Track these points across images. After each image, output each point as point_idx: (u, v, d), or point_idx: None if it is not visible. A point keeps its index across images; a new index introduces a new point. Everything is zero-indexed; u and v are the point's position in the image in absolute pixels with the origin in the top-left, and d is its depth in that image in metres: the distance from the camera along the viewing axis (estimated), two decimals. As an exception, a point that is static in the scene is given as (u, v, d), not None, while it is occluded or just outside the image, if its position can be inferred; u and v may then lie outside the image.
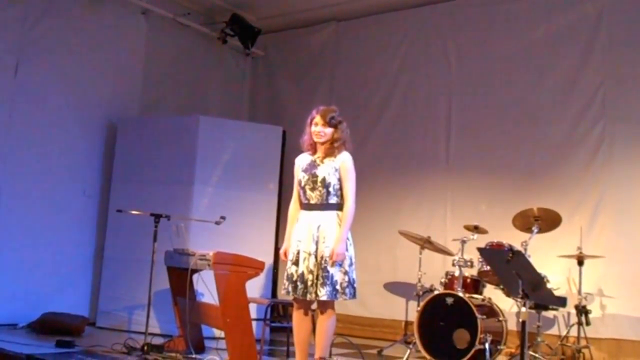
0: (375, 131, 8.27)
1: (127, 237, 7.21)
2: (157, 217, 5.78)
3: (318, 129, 4.82)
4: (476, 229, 6.27)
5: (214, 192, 7.12)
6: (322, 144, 4.85)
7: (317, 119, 4.83)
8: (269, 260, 7.16)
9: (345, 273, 4.69)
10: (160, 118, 7.87)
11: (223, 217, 5.80)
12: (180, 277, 5.72)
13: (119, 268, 7.30)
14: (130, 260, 7.12)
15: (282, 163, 7.57)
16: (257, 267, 5.39)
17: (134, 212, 6.09)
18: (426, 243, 6.69)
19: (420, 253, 6.73)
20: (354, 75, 8.61)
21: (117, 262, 7.34)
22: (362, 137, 7.91)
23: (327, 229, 4.70)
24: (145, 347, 5.49)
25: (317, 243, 4.70)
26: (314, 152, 4.90)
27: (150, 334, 5.78)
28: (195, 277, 5.72)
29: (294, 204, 4.96)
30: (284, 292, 4.80)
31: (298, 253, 4.76)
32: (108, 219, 7.51)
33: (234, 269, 5.22)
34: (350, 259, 4.74)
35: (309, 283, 4.67)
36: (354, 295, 4.70)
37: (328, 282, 4.63)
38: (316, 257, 4.70)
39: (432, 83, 8.01)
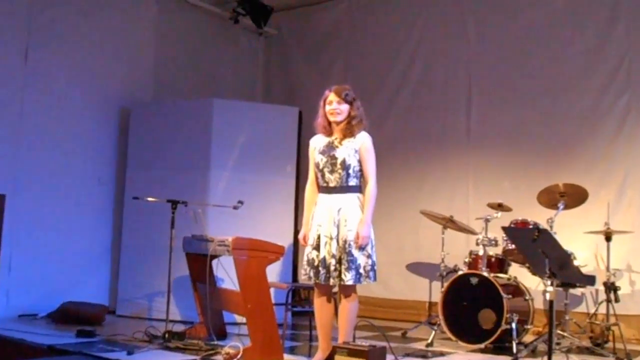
0: (393, 108, 8.24)
1: (144, 225, 7.27)
2: (174, 203, 5.81)
3: (334, 107, 4.79)
4: (500, 206, 6.24)
5: (231, 176, 7.15)
6: (339, 123, 4.82)
7: (332, 96, 4.80)
8: (288, 244, 7.17)
9: (368, 256, 4.70)
10: (174, 102, 7.87)
11: (241, 202, 5.82)
12: (200, 263, 5.75)
13: (137, 256, 7.36)
14: (148, 247, 7.17)
15: (299, 144, 7.57)
16: (277, 251, 5.41)
17: (150, 199, 6.12)
18: (449, 222, 6.68)
19: (443, 233, 6.71)
20: (370, 51, 8.55)
21: (135, 249, 7.41)
22: (379, 114, 7.90)
23: (348, 212, 4.71)
24: (167, 335, 5.54)
25: (338, 227, 4.71)
26: (329, 133, 4.88)
27: (171, 321, 5.83)
28: (214, 262, 5.74)
29: (310, 187, 4.96)
30: (305, 277, 4.81)
31: (319, 237, 4.77)
32: (124, 206, 7.57)
33: (254, 254, 5.24)
34: (371, 242, 4.74)
35: (332, 268, 4.69)
36: (375, 278, 4.72)
37: (353, 267, 4.65)
38: (338, 241, 4.70)
39: (451, 57, 7.95)
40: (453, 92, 7.89)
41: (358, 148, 4.76)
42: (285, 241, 6.82)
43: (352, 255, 4.65)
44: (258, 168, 7.24)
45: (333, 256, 4.69)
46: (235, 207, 5.84)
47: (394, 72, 8.34)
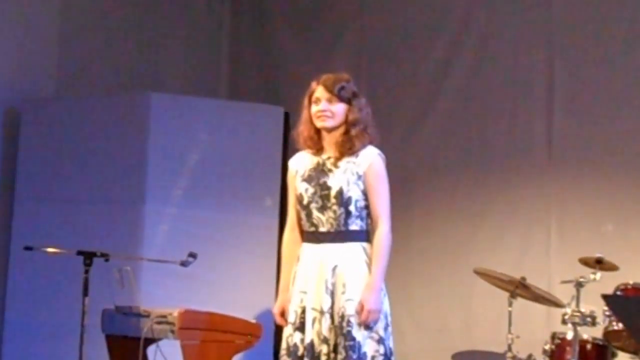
0: (431, 110, 8.24)
1: (40, 289, 7.28)
2: (88, 256, 5.83)
3: (322, 107, 4.79)
4: (599, 263, 6.28)
5: (178, 214, 7.21)
6: (331, 131, 4.83)
7: (319, 91, 4.81)
8: (267, 321, 7.12)
9: (380, 341, 4.68)
10: (90, 99, 7.92)
11: (192, 255, 5.88)
12: (127, 350, 5.80)
13: (28, 338, 7.34)
14: (45, 324, 7.17)
15: (285, 162, 7.58)
16: (250, 332, 5.58)
17: (50, 249, 6.13)
18: (519, 288, 6.67)
19: (510, 304, 6.70)
20: (396, 23, 8.58)
21: (24, 328, 7.39)
22: (411, 120, 7.99)
23: (348, 271, 4.70)
24: None
25: (333, 294, 4.71)
26: (319, 149, 4.90)
27: None
28: (151, 350, 5.80)
29: (289, 234, 4.97)
30: (285, 373, 4.83)
31: (303, 311, 4.76)
32: (9, 260, 7.57)
33: (213, 337, 5.36)
34: (386, 318, 4.75)
35: (323, 358, 4.67)
36: (391, 375, 4.76)
37: (354, 357, 4.61)
38: (332, 316, 4.70)
39: (523, 30, 7.96)
40: (525, 84, 7.90)
41: (363, 172, 4.78)
42: (263, 316, 6.85)
43: (353, 339, 4.62)
44: (221, 201, 7.30)
45: (325, 341, 4.68)
46: (183, 264, 5.89)
47: (434, 54, 8.34)
